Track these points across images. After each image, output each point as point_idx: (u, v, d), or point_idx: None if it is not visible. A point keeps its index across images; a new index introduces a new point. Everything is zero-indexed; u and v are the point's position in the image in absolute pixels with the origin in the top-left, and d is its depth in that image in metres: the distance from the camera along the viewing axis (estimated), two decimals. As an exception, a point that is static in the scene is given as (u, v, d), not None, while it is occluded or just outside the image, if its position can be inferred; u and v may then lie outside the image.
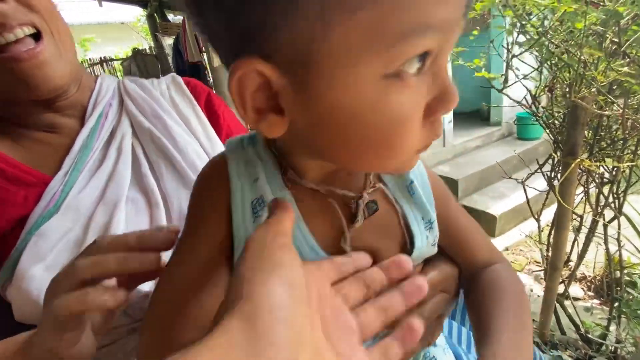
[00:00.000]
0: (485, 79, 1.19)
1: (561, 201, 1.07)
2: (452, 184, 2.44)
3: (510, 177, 1.34)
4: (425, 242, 0.32)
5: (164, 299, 0.29)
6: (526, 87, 1.23)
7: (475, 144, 2.97)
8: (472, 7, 0.21)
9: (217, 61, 2.17)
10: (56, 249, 0.39)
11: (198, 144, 0.52)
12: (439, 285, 0.34)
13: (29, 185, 0.43)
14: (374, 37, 0.19)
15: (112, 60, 5.09)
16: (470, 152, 2.90)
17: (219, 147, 0.54)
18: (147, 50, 4.51)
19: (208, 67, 3.95)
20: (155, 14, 3.91)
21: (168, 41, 3.63)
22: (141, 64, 4.40)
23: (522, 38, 1.08)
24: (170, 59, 4.56)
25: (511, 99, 1.16)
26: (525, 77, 1.12)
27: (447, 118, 2.70)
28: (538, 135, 2.81)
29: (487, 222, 2.25)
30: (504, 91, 1.14)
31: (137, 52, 4.29)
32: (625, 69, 0.88)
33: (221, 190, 0.30)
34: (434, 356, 0.37)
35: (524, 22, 0.97)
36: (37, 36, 0.40)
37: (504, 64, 1.13)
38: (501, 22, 1.13)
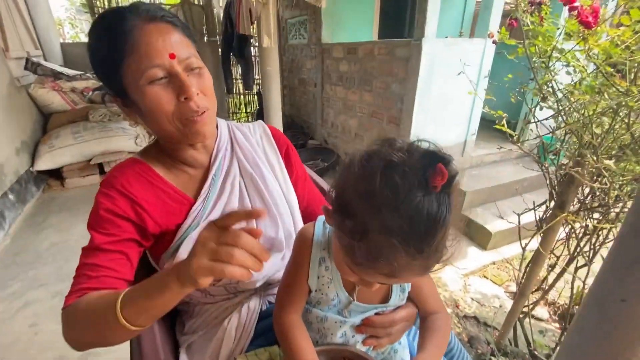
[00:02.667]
0: (517, 93, 1.35)
1: (540, 248, 1.28)
2: (460, 194, 2.62)
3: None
4: (398, 298, 0.58)
5: (279, 292, 0.60)
6: (541, 137, 1.38)
7: (493, 159, 3.09)
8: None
9: (266, 42, 2.30)
10: None
11: (279, 186, 0.74)
12: (405, 318, 0.60)
13: (180, 203, 0.67)
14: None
15: (160, 4, 5.13)
16: (486, 166, 3.03)
17: (291, 191, 0.76)
18: (195, 1, 4.54)
19: (255, 42, 4.04)
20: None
21: (217, -6, 3.69)
22: (187, 13, 4.48)
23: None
24: (217, 16, 4.61)
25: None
26: (541, 136, 1.27)
27: (471, 130, 2.82)
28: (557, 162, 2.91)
29: (483, 236, 2.47)
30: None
31: (185, 1, 4.34)
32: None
33: (307, 247, 0.57)
34: (397, 349, 0.64)
35: (544, 94, 1.12)
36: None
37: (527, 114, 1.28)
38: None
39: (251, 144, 0.76)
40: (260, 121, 0.84)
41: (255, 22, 2.53)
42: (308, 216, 0.80)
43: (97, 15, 0.61)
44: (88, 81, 3.61)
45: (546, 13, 1.19)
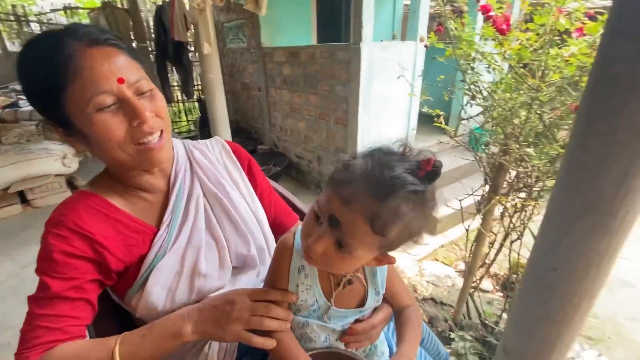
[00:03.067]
0: (448, 88, 1.51)
1: (481, 228, 1.44)
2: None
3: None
4: (373, 301, 0.62)
5: None
6: (473, 131, 1.55)
7: (432, 151, 3.34)
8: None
9: (206, 49, 2.23)
10: (165, 276, 0.62)
11: (245, 202, 0.73)
12: (383, 320, 0.64)
13: (142, 233, 0.63)
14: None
15: (77, 8, 4.62)
16: (427, 157, 3.27)
17: (258, 205, 0.76)
18: (119, 4, 4.21)
19: (192, 47, 3.86)
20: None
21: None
22: (110, 17, 4.13)
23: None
24: (145, 20, 4.32)
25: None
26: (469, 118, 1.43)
27: (411, 126, 3.03)
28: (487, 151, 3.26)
29: (431, 222, 2.68)
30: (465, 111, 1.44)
31: (106, 4, 4.01)
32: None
33: (287, 255, 0.59)
34: (376, 345, 0.68)
35: (473, 93, 1.26)
36: (161, 132, 0.60)
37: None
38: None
39: (211, 161, 0.74)
40: (217, 137, 0.82)
41: (192, 28, 2.44)
42: (277, 228, 0.81)
43: (27, 41, 0.56)
44: (-5, 98, 3.15)
45: (467, 20, 1.34)
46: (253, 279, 0.72)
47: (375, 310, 0.64)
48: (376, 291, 0.62)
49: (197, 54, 4.58)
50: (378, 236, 0.45)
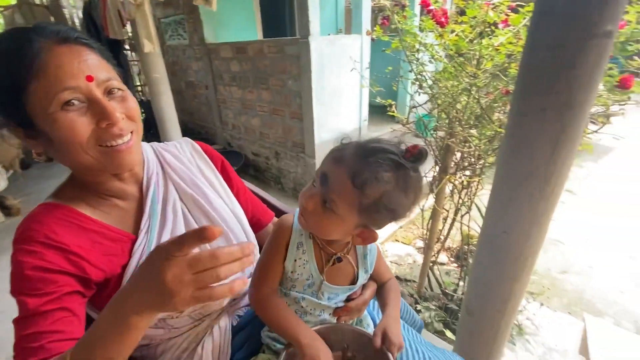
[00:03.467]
0: (396, 79, 1.62)
1: (436, 206, 1.56)
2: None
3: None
4: (362, 279, 0.68)
5: (254, 275, 0.64)
6: (422, 118, 1.67)
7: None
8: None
9: (147, 47, 2.10)
10: None
11: (223, 202, 0.73)
12: (371, 296, 0.70)
13: (120, 241, 0.60)
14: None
15: None
16: (380, 145, 3.43)
17: (236, 204, 0.75)
18: (37, 0, 3.75)
19: (128, 46, 3.57)
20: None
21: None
22: (28, 15, 3.67)
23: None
24: (69, 17, 3.91)
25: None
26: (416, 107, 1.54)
27: (363, 116, 3.14)
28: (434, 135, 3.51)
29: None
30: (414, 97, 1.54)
31: (23, 1, 3.55)
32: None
33: (287, 232, 0.62)
34: (361, 319, 0.73)
35: (420, 82, 1.36)
36: (130, 134, 0.57)
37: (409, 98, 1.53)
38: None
39: (183, 163, 0.72)
40: (186, 138, 0.80)
41: (128, 24, 2.28)
42: (255, 225, 0.81)
43: None
44: None
45: (409, 13, 1.44)
46: (238, 275, 0.73)
47: (363, 286, 0.70)
48: (365, 270, 0.68)
49: (132, 53, 4.27)
50: (357, 192, 0.51)
